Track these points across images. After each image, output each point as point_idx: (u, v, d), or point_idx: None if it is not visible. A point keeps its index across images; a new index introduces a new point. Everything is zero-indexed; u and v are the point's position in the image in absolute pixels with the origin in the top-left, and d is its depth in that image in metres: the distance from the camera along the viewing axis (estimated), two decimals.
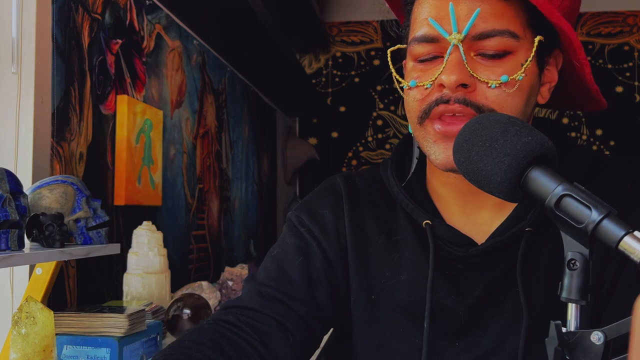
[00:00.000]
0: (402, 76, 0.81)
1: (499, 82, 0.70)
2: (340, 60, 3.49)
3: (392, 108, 3.44)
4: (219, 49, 2.38)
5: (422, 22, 0.73)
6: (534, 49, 0.72)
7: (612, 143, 3.23)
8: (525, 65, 0.71)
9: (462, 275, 0.79)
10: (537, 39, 0.72)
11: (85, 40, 1.42)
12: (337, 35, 3.49)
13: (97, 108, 1.47)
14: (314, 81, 3.53)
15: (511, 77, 0.70)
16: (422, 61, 0.75)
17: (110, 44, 1.54)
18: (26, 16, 1.23)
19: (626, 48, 3.22)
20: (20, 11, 1.23)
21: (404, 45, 0.81)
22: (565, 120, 3.30)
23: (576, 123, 3.27)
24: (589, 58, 2.73)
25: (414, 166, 0.85)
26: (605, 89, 3.19)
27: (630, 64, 3.22)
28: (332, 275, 0.84)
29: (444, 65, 0.70)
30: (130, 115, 1.57)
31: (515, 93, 0.71)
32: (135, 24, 1.69)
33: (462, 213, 0.80)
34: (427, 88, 0.73)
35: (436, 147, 0.73)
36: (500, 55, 0.71)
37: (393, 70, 0.79)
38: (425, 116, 0.73)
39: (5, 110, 1.23)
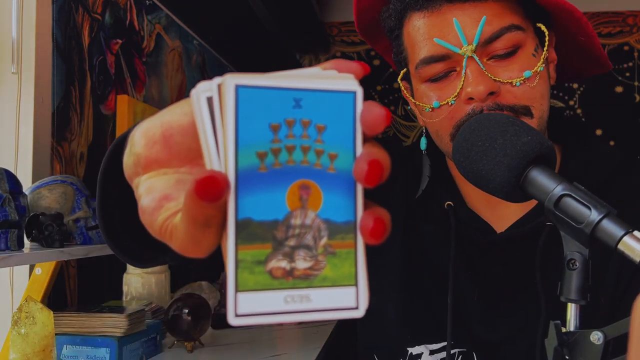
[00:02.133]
0: (404, 97, 0.82)
1: (523, 78, 0.70)
2: None
3: (392, 108, 3.44)
4: (219, 48, 2.38)
5: (425, 42, 0.72)
6: (547, 38, 0.72)
7: (611, 143, 3.23)
8: (543, 56, 0.72)
9: (480, 261, 0.80)
10: (542, 28, 0.73)
11: (86, 40, 1.42)
12: (337, 35, 3.49)
13: (98, 108, 1.47)
14: None
15: (533, 71, 0.70)
16: (435, 80, 0.74)
17: (110, 44, 1.54)
18: (26, 16, 1.23)
19: (626, 48, 3.22)
20: (21, 11, 1.23)
21: (404, 70, 0.79)
22: None
23: None
24: None
25: (424, 184, 0.84)
26: (605, 89, 3.19)
27: (630, 64, 3.22)
28: None
29: (463, 79, 0.70)
30: (131, 115, 1.57)
31: (538, 84, 0.72)
32: (135, 24, 1.69)
33: (486, 206, 0.81)
34: (451, 105, 0.72)
35: None
36: (512, 52, 0.71)
37: (410, 100, 0.78)
38: (457, 132, 0.72)
39: (6, 110, 1.23)
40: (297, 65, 2.73)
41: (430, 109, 0.74)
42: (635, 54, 3.27)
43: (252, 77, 0.29)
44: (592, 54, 0.79)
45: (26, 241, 1.05)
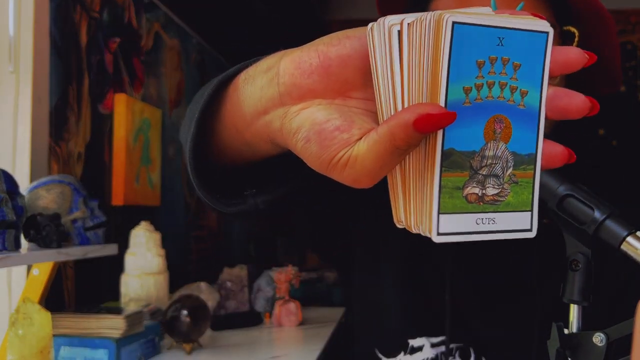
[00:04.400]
0: None
1: None
2: None
3: None
4: (217, 47, 2.37)
5: None
6: (576, 38, 0.73)
7: (614, 143, 3.22)
8: None
9: (477, 258, 0.80)
10: (572, 29, 0.73)
11: (83, 38, 1.41)
12: None
13: (95, 107, 1.46)
14: None
15: None
16: None
17: (109, 43, 1.53)
18: (24, 14, 1.23)
19: (629, 47, 3.21)
20: (18, 9, 1.22)
21: None
22: None
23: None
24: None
25: None
26: None
27: (633, 62, 3.21)
28: None
29: None
30: (129, 115, 1.56)
31: (559, 84, 0.72)
32: (134, 22, 1.68)
33: None
34: None
35: None
36: None
37: None
38: None
39: (3, 109, 1.23)
40: None
41: None
42: (638, 53, 3.26)
43: (466, 14, 0.31)
44: (608, 66, 0.78)
45: (23, 242, 1.04)
